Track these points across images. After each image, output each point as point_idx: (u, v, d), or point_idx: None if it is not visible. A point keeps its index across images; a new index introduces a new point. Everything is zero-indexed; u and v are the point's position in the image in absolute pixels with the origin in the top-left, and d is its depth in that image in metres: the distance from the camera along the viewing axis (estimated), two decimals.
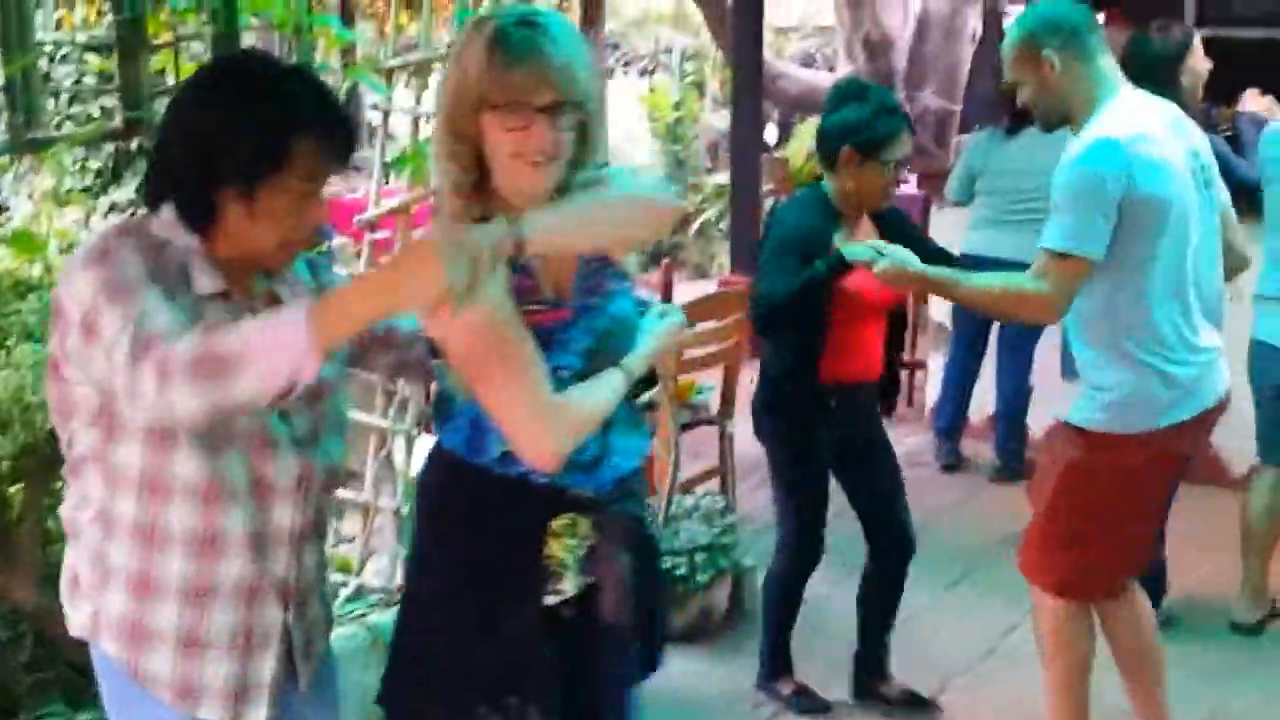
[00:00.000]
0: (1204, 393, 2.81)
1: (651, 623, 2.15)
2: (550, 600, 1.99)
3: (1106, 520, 2.87)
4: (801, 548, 3.43)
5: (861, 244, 3.00)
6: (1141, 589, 3.08)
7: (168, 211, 1.79)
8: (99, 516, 1.83)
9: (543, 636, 1.98)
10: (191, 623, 1.82)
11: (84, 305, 1.67)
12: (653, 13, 12.95)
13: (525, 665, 1.97)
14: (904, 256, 2.87)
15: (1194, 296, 2.79)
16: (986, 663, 3.83)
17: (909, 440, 5.86)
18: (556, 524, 1.96)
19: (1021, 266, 3.11)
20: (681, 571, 3.79)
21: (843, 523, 4.86)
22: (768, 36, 9.06)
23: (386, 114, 3.51)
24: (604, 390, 1.92)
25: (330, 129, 1.77)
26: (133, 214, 6.75)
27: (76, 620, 1.90)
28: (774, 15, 11.75)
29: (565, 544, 1.98)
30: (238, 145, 1.72)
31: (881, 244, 2.94)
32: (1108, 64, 2.80)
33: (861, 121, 3.09)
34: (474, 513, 1.98)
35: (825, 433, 3.34)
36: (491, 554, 1.97)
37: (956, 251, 5.03)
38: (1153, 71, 3.49)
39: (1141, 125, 2.71)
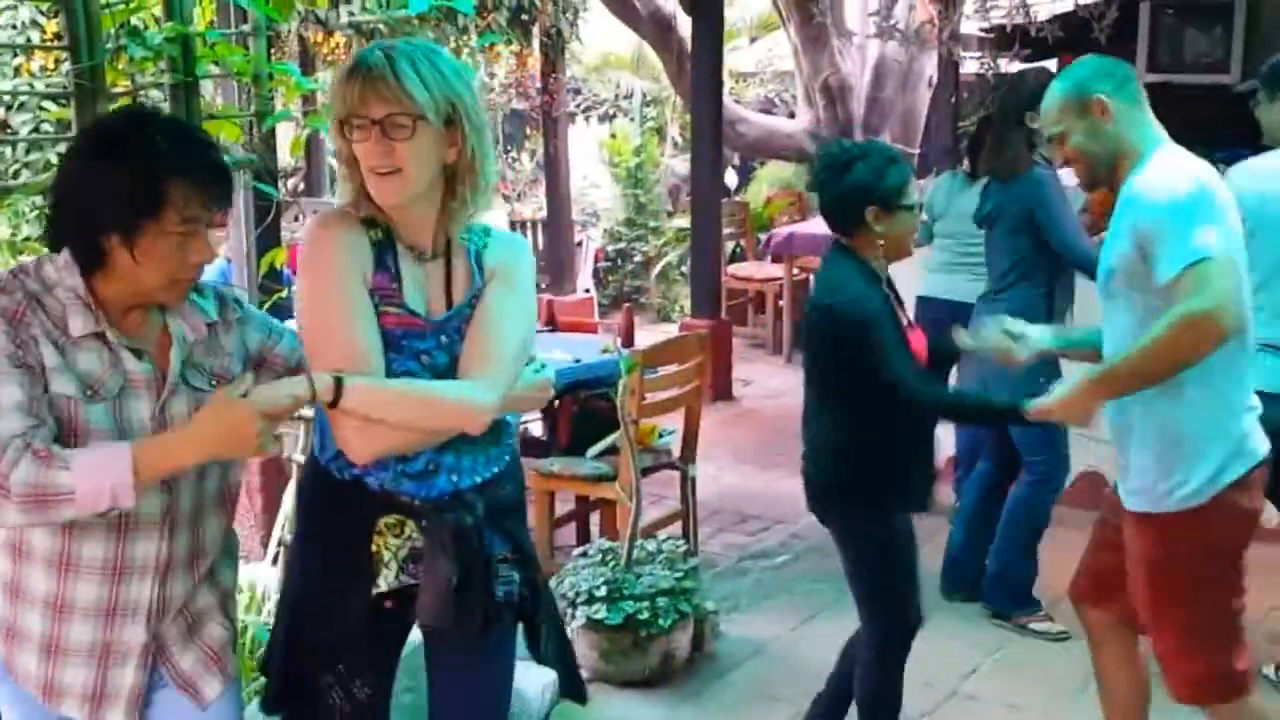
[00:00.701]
0: (1257, 448, 2.73)
1: (547, 642, 2.37)
2: (373, 591, 2.19)
3: (1216, 604, 2.74)
4: (896, 651, 3.20)
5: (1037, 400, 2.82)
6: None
7: (64, 255, 1.95)
8: None
9: (367, 622, 2.20)
10: (53, 631, 1.98)
11: None
12: (612, 58, 13.03)
13: (352, 644, 2.20)
14: (1071, 387, 2.73)
15: (1245, 345, 2.72)
16: (950, 703, 3.83)
17: None
18: (384, 522, 2.16)
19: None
20: (644, 616, 3.78)
21: (813, 560, 4.88)
22: (727, 81, 9.15)
23: None
24: None
25: (202, 176, 1.93)
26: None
27: None
28: (733, 60, 11.87)
29: (388, 541, 2.18)
30: (116, 197, 1.88)
31: (1058, 389, 2.78)
32: (1153, 118, 2.78)
33: (876, 176, 3.04)
34: (318, 506, 2.25)
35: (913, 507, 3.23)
36: (328, 543, 2.21)
37: (914, 293, 5.11)
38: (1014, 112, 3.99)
39: (1204, 172, 2.68)
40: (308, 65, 7.83)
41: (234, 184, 2.04)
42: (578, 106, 13.02)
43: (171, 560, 2.02)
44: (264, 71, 3.12)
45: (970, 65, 8.27)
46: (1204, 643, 2.75)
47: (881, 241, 3.06)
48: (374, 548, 2.17)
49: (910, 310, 3.41)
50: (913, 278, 5.21)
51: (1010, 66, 7.21)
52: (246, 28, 3.21)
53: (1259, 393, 2.81)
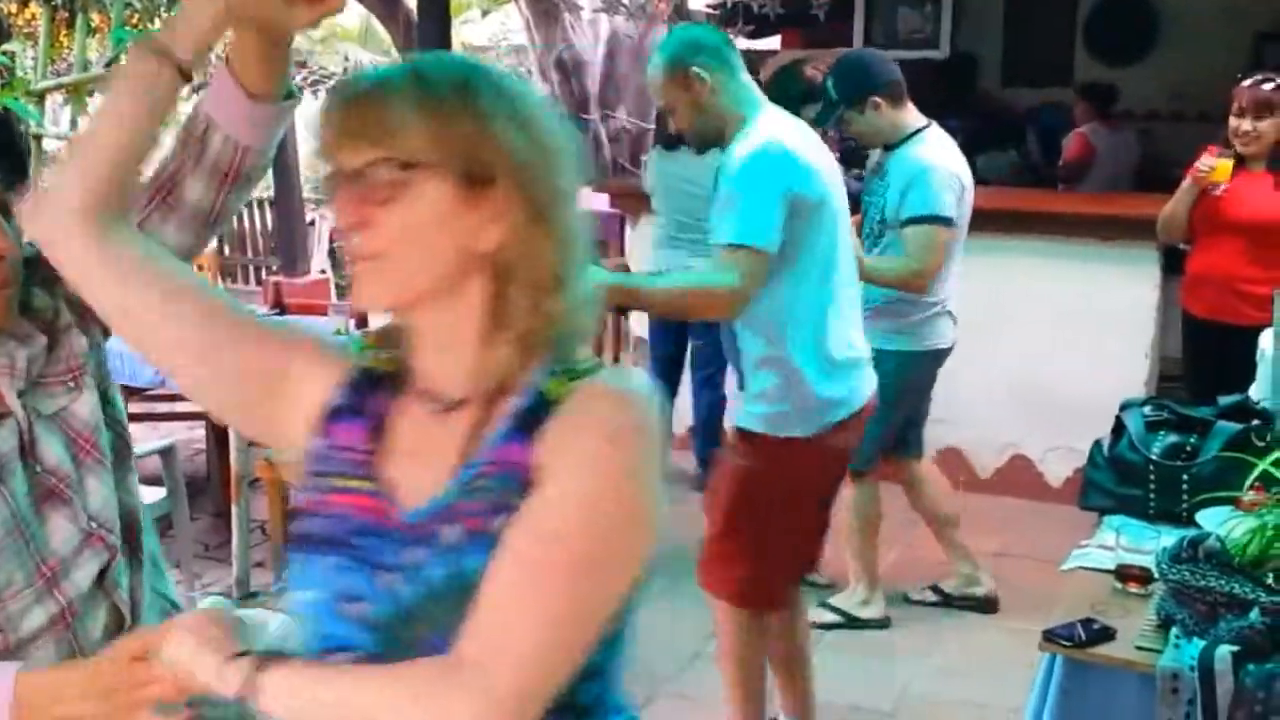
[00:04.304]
0: (856, 396, 2.95)
1: None
2: None
3: (779, 527, 2.97)
4: None
5: None
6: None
7: None
8: None
9: None
10: None
11: None
12: (339, 30, 12.67)
13: None
14: (605, 279, 2.84)
15: (846, 299, 2.94)
16: (694, 666, 3.90)
17: None
18: None
19: None
20: None
21: None
22: (462, 55, 9.01)
23: (39, 139, 3.27)
24: None
25: None
26: None
27: None
28: (465, 34, 11.74)
29: None
30: None
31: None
32: (749, 81, 2.93)
33: None
34: None
35: None
36: None
37: (644, 270, 5.16)
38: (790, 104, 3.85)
39: (796, 135, 2.85)
40: (2, 35, 7.28)
41: (20, 158, 1.51)
42: (304, 80, 12.59)
43: None
44: None
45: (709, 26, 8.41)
46: (748, 552, 2.98)
47: None
48: None
49: None
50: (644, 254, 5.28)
51: (737, 43, 7.36)
52: None
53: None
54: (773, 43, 8.47)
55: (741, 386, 2.97)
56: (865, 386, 2.97)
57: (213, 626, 1.20)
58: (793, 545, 3.05)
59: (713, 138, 2.92)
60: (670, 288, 2.97)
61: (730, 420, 3.06)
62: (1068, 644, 2.22)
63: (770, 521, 2.95)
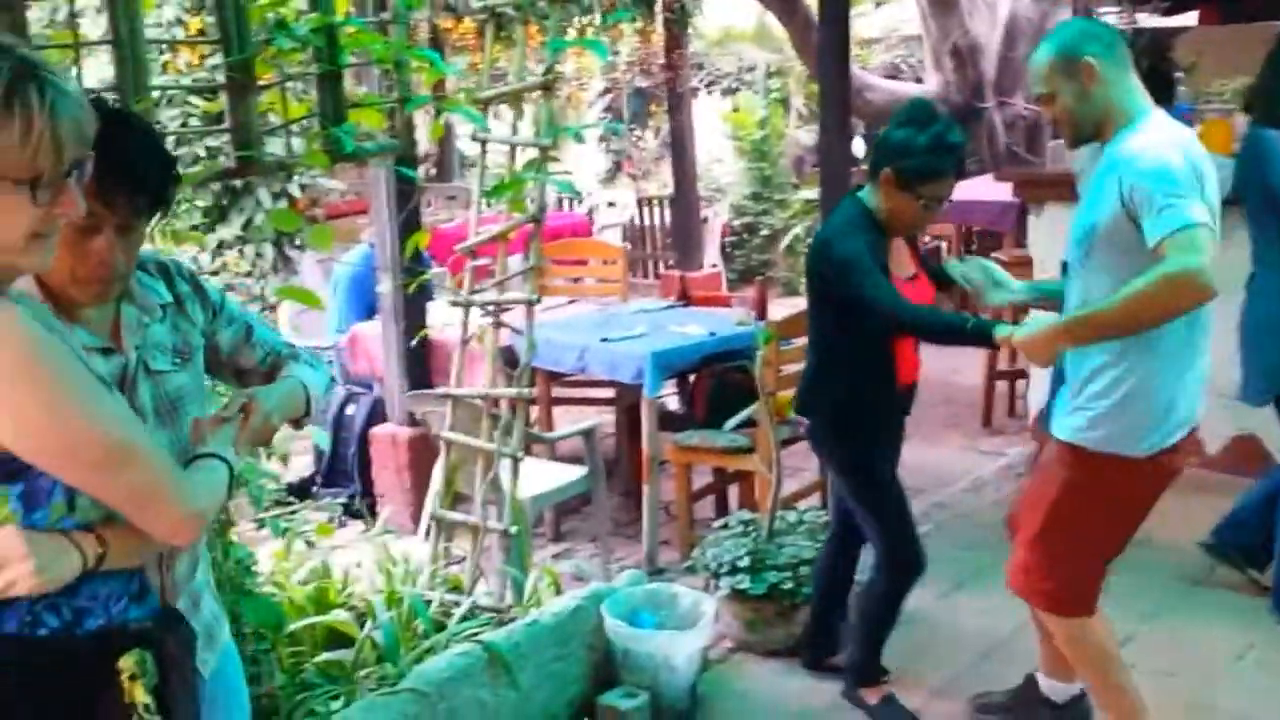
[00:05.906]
0: (1197, 414, 2.81)
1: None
2: None
3: (1095, 538, 2.90)
4: (905, 562, 3.37)
5: (1007, 325, 2.92)
6: None
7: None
8: None
9: None
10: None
11: None
12: (734, 31, 12.98)
13: None
14: (1043, 321, 2.76)
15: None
16: None
17: (1010, 451, 5.78)
18: (126, 664, 1.67)
19: None
20: (788, 586, 3.79)
21: (958, 529, 4.83)
22: (852, 48, 9.04)
23: (484, 144, 3.58)
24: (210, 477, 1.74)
25: (102, 170, 1.61)
26: (240, 250, 6.95)
27: None
28: (858, 26, 11.73)
29: (142, 685, 1.68)
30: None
31: (1028, 324, 2.81)
32: (1138, 83, 2.79)
33: (909, 149, 3.03)
34: (25, 689, 1.61)
35: (891, 441, 3.37)
36: None
37: (1057, 259, 4.99)
38: None
39: (1189, 137, 2.72)
40: (438, 51, 7.98)
41: (159, 189, 1.78)
42: (700, 81, 12.99)
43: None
44: (405, 58, 3.19)
45: (1107, 21, 8.03)
46: (1067, 565, 2.91)
47: (884, 205, 3.13)
48: (133, 698, 1.66)
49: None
50: (1053, 240, 5.11)
51: (1148, 20, 7.00)
52: (385, 15, 3.29)
53: None
54: (1189, 19, 7.98)
55: (1055, 392, 2.85)
56: (1200, 403, 2.82)
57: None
58: (1105, 555, 2.96)
59: (1089, 132, 2.81)
60: (1119, 304, 2.60)
61: (1056, 431, 2.91)
62: None
63: (1088, 534, 2.87)
